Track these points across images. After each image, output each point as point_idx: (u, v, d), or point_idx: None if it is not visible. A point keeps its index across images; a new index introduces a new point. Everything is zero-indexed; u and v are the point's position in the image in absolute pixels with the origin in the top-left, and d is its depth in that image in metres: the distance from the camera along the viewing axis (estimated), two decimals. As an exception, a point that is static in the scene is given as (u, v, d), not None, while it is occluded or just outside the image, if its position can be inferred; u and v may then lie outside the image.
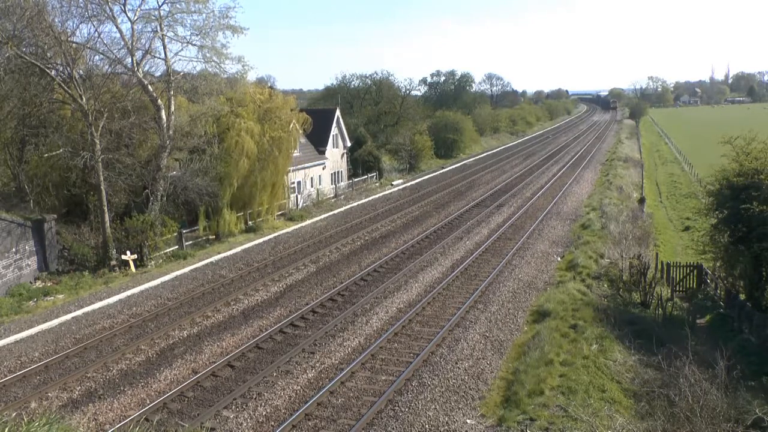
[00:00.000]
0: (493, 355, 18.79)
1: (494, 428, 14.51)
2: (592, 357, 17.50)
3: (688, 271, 26.26)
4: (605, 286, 25.14)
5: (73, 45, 28.79)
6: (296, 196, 43.36)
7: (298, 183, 44.07)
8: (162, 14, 31.04)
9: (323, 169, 48.54)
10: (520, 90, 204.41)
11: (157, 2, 31.09)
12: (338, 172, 51.83)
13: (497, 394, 16.30)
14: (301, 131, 40.31)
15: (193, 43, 32.10)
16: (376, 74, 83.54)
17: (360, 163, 56.67)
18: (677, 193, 52.01)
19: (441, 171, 65.81)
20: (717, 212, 23.17)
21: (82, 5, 28.87)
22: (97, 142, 27.87)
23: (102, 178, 28.20)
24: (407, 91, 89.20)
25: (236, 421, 14.93)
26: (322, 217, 41.01)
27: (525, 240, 33.08)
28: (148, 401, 16.01)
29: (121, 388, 16.79)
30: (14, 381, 17.39)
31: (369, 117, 75.40)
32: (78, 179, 30.45)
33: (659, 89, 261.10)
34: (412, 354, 18.52)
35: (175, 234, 31.39)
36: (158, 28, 31.11)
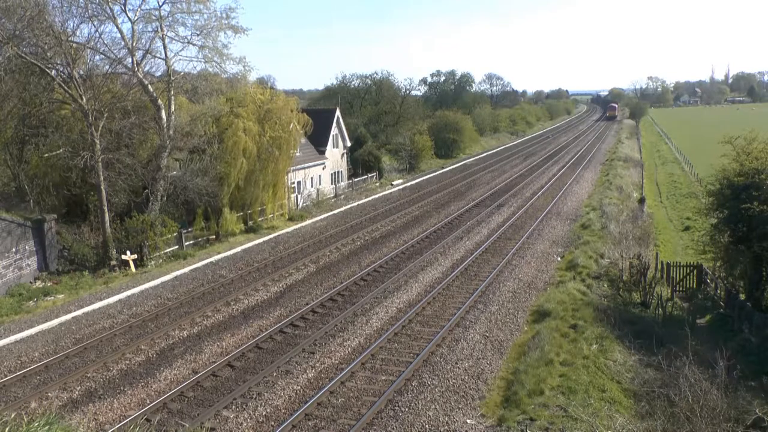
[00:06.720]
0: (493, 355, 18.79)
1: (494, 428, 14.51)
2: (592, 357, 17.51)
3: (688, 271, 26.23)
4: (605, 286, 25.13)
5: (74, 45, 28.79)
6: (296, 196, 43.37)
7: (298, 183, 44.08)
8: (162, 14, 31.13)
9: (323, 169, 48.55)
10: (520, 90, 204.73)
11: (158, 2, 31.20)
12: (338, 172, 51.83)
13: (497, 394, 16.30)
14: (302, 132, 40.30)
15: (194, 43, 32.19)
16: (376, 74, 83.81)
17: (360, 163, 56.68)
18: (677, 193, 51.93)
19: (441, 171, 65.80)
20: (717, 212, 23.17)
21: (82, 5, 28.91)
22: (97, 142, 27.87)
23: (102, 178, 28.21)
24: (407, 91, 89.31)
25: (236, 421, 14.93)
26: (322, 217, 41.01)
27: (525, 240, 33.08)
28: (148, 401, 16.01)
29: (121, 388, 16.79)
30: (14, 381, 17.39)
31: (369, 117, 75.42)
32: (78, 179, 30.45)
33: (659, 89, 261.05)
34: (412, 354, 18.52)
35: (175, 234, 31.39)
36: (159, 28, 31.15)
